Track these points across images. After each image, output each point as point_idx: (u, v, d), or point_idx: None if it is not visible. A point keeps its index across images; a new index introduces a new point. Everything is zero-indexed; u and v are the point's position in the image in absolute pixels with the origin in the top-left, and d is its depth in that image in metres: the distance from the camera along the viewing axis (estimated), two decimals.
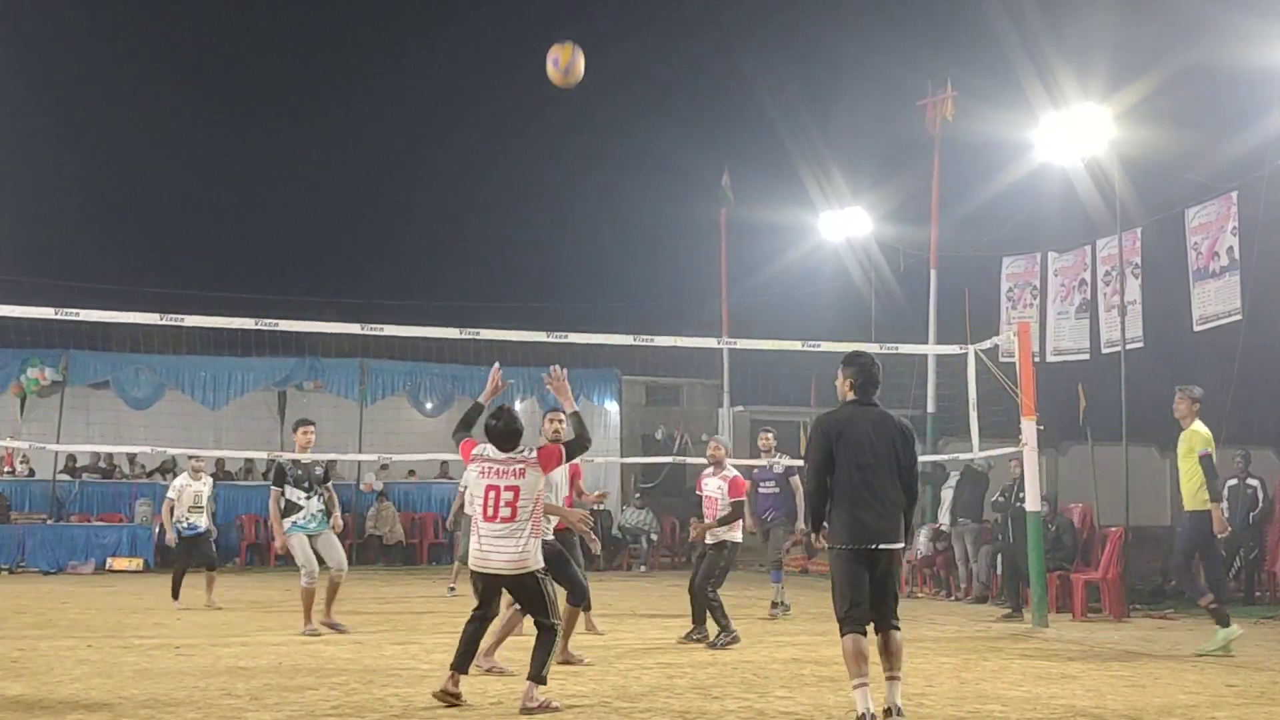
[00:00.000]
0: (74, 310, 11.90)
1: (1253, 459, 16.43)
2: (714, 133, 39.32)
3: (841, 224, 23.05)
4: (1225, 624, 10.68)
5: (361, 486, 23.65)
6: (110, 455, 22.90)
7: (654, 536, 23.38)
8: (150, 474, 23.55)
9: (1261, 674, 9.34)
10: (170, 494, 14.86)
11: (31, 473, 22.33)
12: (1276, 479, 16.49)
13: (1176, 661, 10.05)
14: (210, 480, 15.27)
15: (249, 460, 23.54)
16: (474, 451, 7.64)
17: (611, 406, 26.18)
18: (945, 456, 17.59)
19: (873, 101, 32.41)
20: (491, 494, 7.37)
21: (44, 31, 36.63)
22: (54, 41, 37.60)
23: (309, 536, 11.61)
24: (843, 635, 6.78)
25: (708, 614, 11.09)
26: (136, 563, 20.90)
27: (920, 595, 17.00)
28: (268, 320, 12.52)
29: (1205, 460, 10.88)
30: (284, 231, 40.13)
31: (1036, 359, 15.49)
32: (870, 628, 6.82)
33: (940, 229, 20.15)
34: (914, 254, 21.26)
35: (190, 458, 15.46)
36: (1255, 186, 15.55)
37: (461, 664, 7.56)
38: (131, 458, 23.14)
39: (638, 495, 24.24)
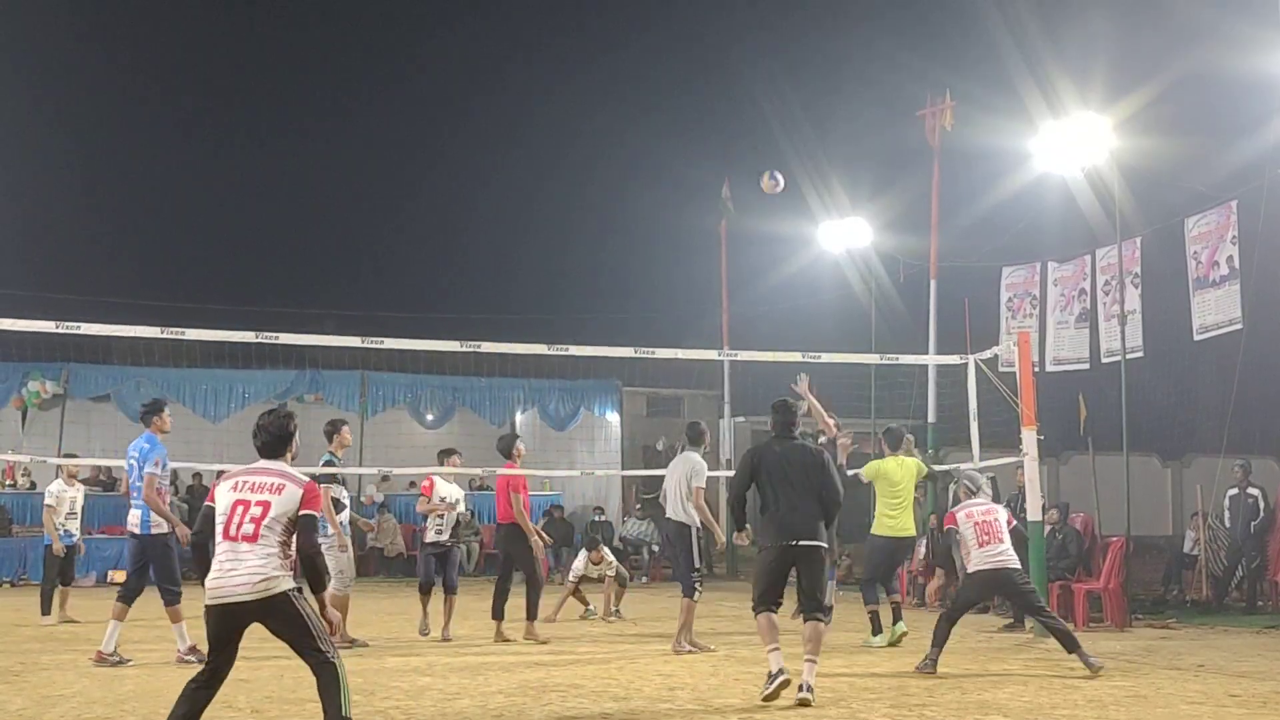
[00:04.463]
0: (75, 324, 11.91)
1: (1253, 468, 16.43)
2: (714, 143, 39.41)
3: (841, 234, 23.05)
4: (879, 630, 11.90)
5: (362, 499, 23.65)
6: (111, 468, 22.89)
7: (655, 547, 23.33)
8: None
9: (1264, 683, 9.33)
10: (48, 500, 14.40)
11: (33, 486, 22.33)
12: (1277, 488, 16.48)
13: (1179, 671, 10.03)
14: (83, 488, 15.05)
15: None
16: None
17: (612, 417, 26.19)
18: (946, 466, 17.57)
19: (872, 111, 32.56)
20: (239, 509, 6.21)
21: (47, 46, 36.74)
22: (56, 56, 37.73)
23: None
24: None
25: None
26: None
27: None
28: (268, 333, 12.53)
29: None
30: (284, 244, 40.27)
31: (1036, 368, 15.47)
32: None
33: (940, 239, 20.15)
34: (914, 264, 21.26)
35: (66, 458, 15.06)
36: (1255, 196, 15.54)
37: None
38: None
39: (639, 506, 24.23)
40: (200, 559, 6.37)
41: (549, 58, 48.44)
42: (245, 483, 6.27)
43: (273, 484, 6.23)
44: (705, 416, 26.91)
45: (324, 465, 11.87)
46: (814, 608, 8.42)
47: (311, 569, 6.26)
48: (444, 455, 13.17)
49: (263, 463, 6.41)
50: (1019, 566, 10.55)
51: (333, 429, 12.09)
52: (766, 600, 8.46)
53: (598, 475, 24.36)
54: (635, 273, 38.57)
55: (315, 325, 19.86)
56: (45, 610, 14.07)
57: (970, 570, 10.53)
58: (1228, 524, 16.09)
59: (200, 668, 6.42)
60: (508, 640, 12.02)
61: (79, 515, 14.59)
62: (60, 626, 13.58)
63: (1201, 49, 17.84)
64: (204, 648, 10.07)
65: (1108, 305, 18.27)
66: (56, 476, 14.76)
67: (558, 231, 41.94)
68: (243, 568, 6.10)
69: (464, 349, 13.68)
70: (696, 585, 11.18)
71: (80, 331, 12.16)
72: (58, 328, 11.87)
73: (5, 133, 29.35)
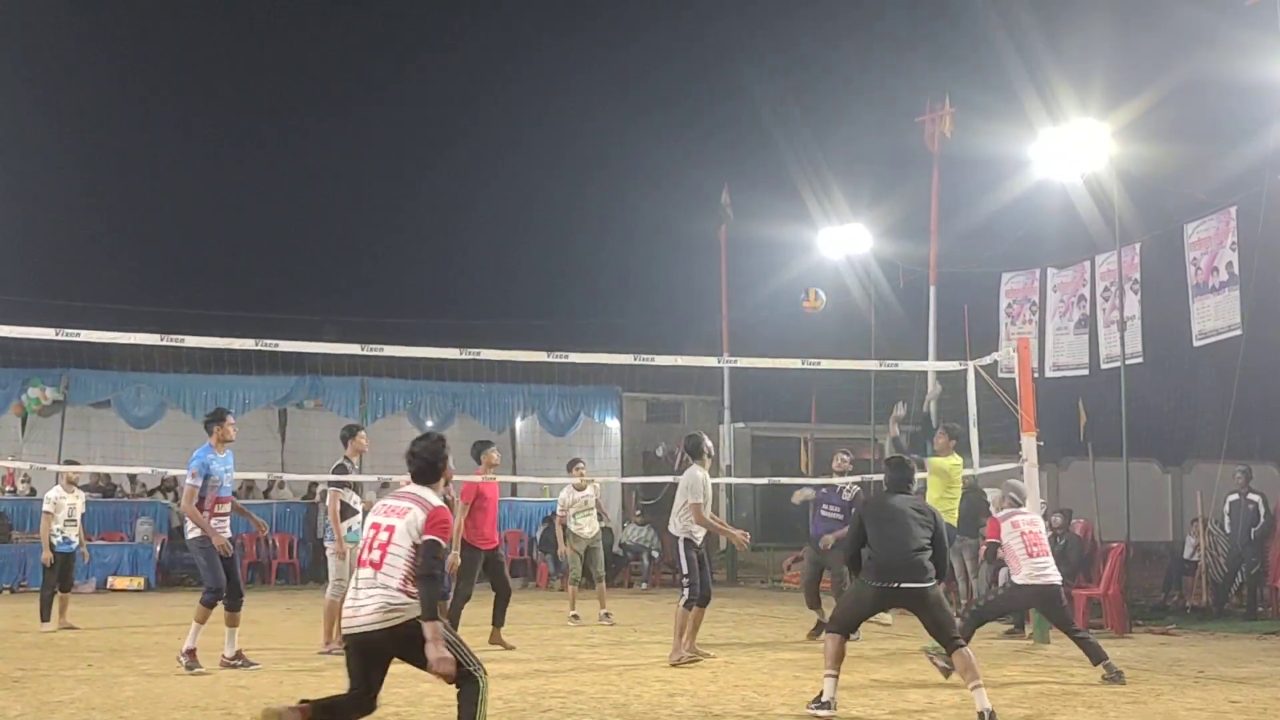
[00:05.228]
0: (75, 330, 11.93)
1: (1254, 474, 16.41)
2: (713, 149, 39.39)
3: (841, 240, 23.06)
4: None
5: (361, 505, 23.65)
6: (110, 474, 22.90)
7: (655, 554, 23.32)
8: (151, 493, 23.55)
9: (1264, 690, 9.33)
10: (46, 507, 14.35)
11: (33, 492, 22.30)
12: (1277, 494, 16.47)
13: (1179, 677, 10.03)
14: (82, 496, 15.05)
15: (249, 479, 23.53)
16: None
17: (612, 424, 26.17)
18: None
19: (872, 118, 32.55)
20: (373, 533, 6.29)
21: (46, 52, 36.79)
22: (56, 62, 37.78)
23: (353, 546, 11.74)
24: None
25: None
26: (138, 582, 20.88)
27: None
28: (268, 340, 12.52)
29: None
30: (284, 251, 40.28)
31: (1036, 374, 15.48)
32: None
33: (940, 245, 20.16)
34: (914, 270, 21.26)
35: (65, 465, 15.08)
36: (1254, 201, 15.55)
37: None
38: (132, 477, 23.14)
39: (639, 512, 24.23)
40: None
41: (548, 63, 48.52)
42: (383, 506, 6.32)
43: (402, 508, 6.21)
44: (705, 422, 26.99)
45: (335, 470, 11.89)
46: (951, 638, 8.23)
47: (426, 593, 6.00)
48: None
49: (408, 487, 6.39)
50: (1061, 581, 10.58)
51: (348, 434, 12.08)
52: (845, 628, 8.43)
53: (597, 482, 24.35)
54: (635, 278, 38.61)
55: (315, 332, 19.85)
56: (45, 617, 14.07)
57: (1019, 581, 10.48)
58: (1228, 530, 16.09)
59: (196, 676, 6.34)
60: (510, 648, 12.00)
61: (78, 522, 14.55)
62: (59, 633, 13.57)
63: (1200, 55, 17.83)
64: (205, 658, 10.13)
65: (1107, 311, 18.27)
66: (56, 483, 14.74)
67: (557, 237, 42.00)
68: (368, 597, 6.07)
69: (464, 355, 13.67)
70: (682, 593, 10.92)
71: (80, 338, 12.17)
72: (58, 334, 11.88)
73: (5, 136, 29.38)
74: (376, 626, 6.02)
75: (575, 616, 15.01)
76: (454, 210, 43.03)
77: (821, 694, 8.14)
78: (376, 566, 6.09)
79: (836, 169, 26.11)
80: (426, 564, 6.05)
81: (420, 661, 6.04)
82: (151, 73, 42.09)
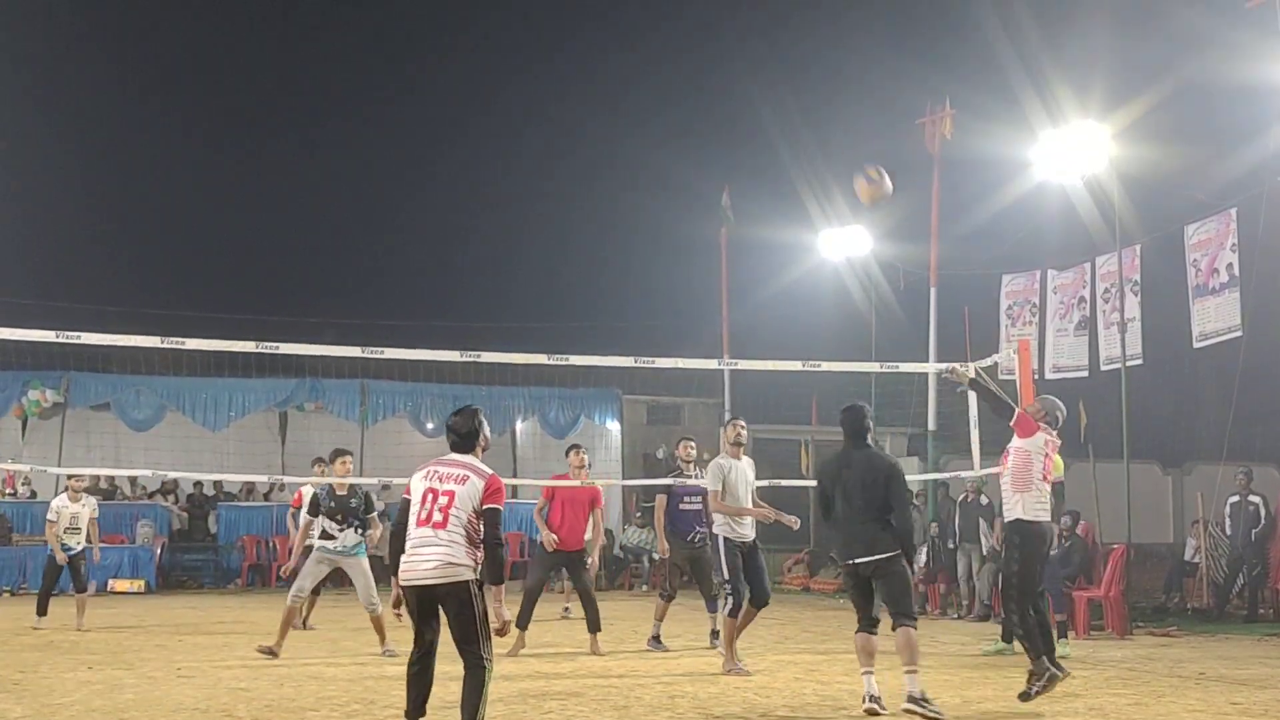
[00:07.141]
0: (75, 333, 11.92)
1: (1255, 476, 16.41)
2: (714, 151, 39.33)
3: (842, 242, 23.06)
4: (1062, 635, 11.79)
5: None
6: (111, 477, 22.89)
7: (655, 555, 23.32)
8: (151, 495, 23.53)
9: (1265, 691, 9.32)
10: (50, 515, 14.60)
11: (33, 494, 22.29)
12: (1278, 496, 16.46)
13: (1180, 679, 10.03)
14: (92, 501, 15.11)
15: (249, 481, 23.53)
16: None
17: (613, 426, 26.17)
18: (948, 474, 17.56)
19: (872, 120, 32.48)
20: (429, 497, 6.68)
21: (48, 54, 36.80)
22: (57, 64, 37.78)
23: (336, 556, 11.65)
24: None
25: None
26: (138, 584, 20.84)
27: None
28: (268, 342, 12.51)
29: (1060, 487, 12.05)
30: (284, 252, 40.22)
31: (1036, 376, 15.48)
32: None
33: (940, 247, 20.16)
34: (914, 272, 21.27)
35: (69, 478, 15.20)
36: (1254, 203, 15.56)
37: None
38: (132, 479, 23.13)
39: (639, 514, 24.21)
40: (395, 546, 6.75)
41: (548, 64, 48.49)
42: (435, 473, 6.76)
43: (458, 475, 6.69)
44: (706, 424, 26.94)
45: (315, 494, 11.98)
46: (898, 613, 8.04)
47: (492, 560, 6.59)
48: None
49: (453, 455, 6.84)
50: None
51: (330, 458, 12.05)
52: (859, 621, 8.20)
53: (598, 484, 24.34)
54: (635, 280, 38.51)
55: (315, 334, 19.79)
56: (41, 611, 14.20)
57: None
58: (1229, 532, 16.09)
59: (196, 680, 6.44)
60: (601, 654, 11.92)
61: (82, 530, 14.66)
62: (59, 635, 13.56)
63: (1200, 57, 17.85)
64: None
65: (1107, 313, 18.27)
66: (60, 489, 14.84)
67: (557, 240, 41.90)
68: (431, 553, 6.55)
69: (464, 358, 13.65)
70: (726, 598, 10.41)
71: (80, 340, 12.16)
72: (58, 336, 11.86)
73: (5, 137, 29.35)
74: (438, 580, 6.53)
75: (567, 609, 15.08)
76: (454, 211, 42.94)
77: (865, 695, 7.96)
78: (440, 526, 6.57)
79: (837, 171, 26.06)
80: (492, 533, 6.60)
81: (459, 625, 6.52)
82: (151, 73, 42.05)
